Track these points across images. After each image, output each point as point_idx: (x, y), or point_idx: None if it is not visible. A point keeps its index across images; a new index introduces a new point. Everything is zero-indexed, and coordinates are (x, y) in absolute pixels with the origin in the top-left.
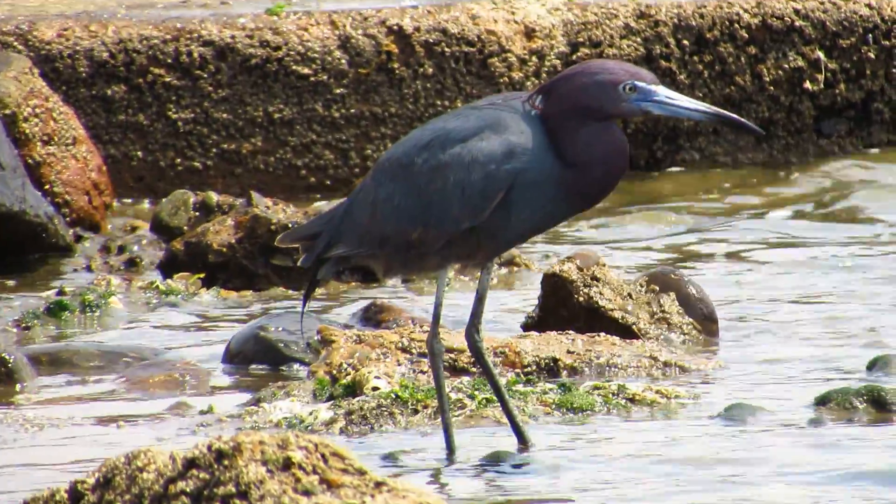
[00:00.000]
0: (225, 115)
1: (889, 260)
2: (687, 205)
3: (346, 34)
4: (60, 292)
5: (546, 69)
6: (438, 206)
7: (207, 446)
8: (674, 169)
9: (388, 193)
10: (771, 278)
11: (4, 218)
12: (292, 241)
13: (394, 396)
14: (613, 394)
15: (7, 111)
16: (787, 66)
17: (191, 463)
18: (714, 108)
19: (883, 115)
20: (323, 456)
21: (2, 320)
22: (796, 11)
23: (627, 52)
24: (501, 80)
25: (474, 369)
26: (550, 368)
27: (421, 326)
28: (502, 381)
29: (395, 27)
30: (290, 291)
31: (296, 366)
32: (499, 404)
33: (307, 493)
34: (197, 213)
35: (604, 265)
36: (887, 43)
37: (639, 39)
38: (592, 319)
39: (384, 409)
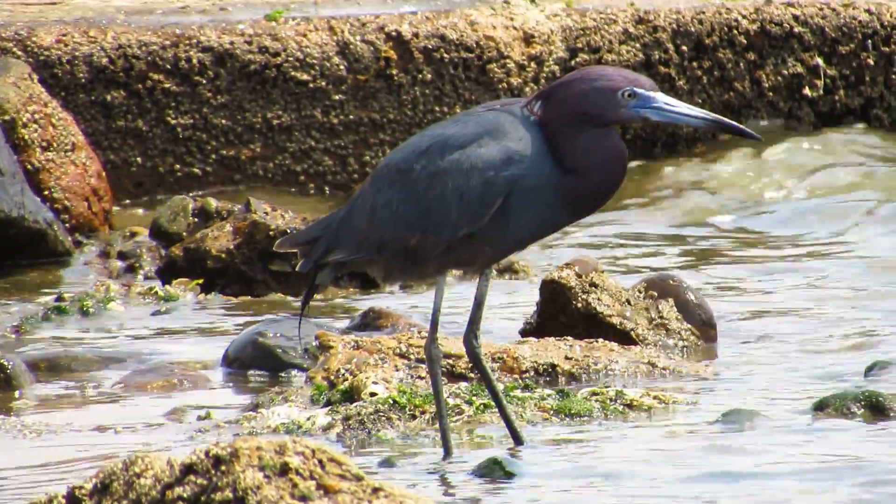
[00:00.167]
0: (224, 121)
1: (888, 266)
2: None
3: (344, 40)
4: (59, 298)
5: (545, 75)
6: (437, 212)
7: (205, 452)
8: None
9: (386, 199)
10: (770, 284)
11: (3, 224)
12: (291, 246)
13: (391, 402)
14: (611, 399)
15: (6, 117)
16: (786, 72)
17: (188, 469)
18: (713, 115)
19: (882, 121)
20: (320, 461)
21: (0, 326)
22: (795, 17)
23: (626, 58)
24: (500, 86)
25: (472, 375)
26: (549, 374)
27: (419, 332)
28: (500, 387)
29: (394, 33)
30: (289, 297)
31: (294, 371)
32: (496, 410)
33: (304, 498)
34: (196, 219)
35: (602, 271)
36: (886, 49)
37: (638, 45)
38: (591, 325)
39: (382, 414)
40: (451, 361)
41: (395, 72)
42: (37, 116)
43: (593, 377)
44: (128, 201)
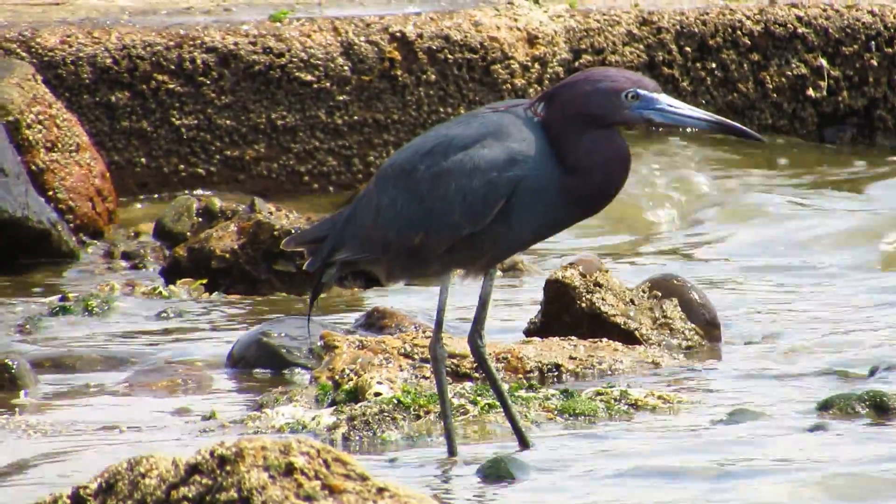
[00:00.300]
0: (228, 122)
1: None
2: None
3: (348, 41)
4: (64, 298)
5: (549, 76)
6: (440, 212)
7: (210, 452)
8: None
9: (390, 199)
10: (774, 284)
11: (8, 224)
12: (297, 245)
13: (396, 402)
14: (616, 399)
15: (10, 118)
16: (789, 73)
17: (193, 468)
18: (715, 117)
19: (886, 122)
20: (325, 461)
21: (5, 325)
22: (799, 18)
23: (630, 59)
24: (504, 87)
25: (477, 375)
26: (553, 374)
27: (423, 332)
28: (505, 387)
29: (398, 34)
30: (293, 297)
31: (298, 370)
32: (501, 409)
33: (309, 498)
34: (200, 219)
35: (606, 271)
36: (890, 50)
37: (641, 46)
38: (595, 325)
39: (387, 414)
40: (455, 361)
41: (399, 72)
42: (41, 117)
43: (598, 377)
44: (132, 201)
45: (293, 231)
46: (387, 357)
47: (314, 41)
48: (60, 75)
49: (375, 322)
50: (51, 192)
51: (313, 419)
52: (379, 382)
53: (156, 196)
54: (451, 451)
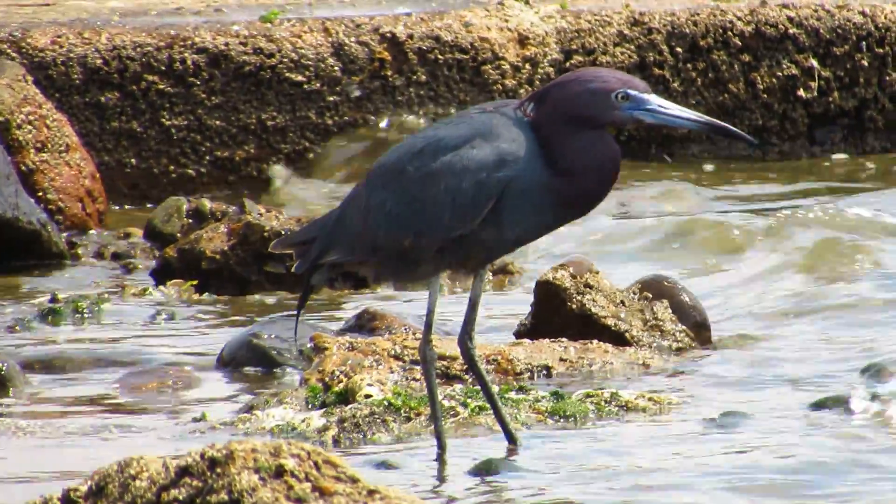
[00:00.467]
0: (218, 123)
1: (882, 266)
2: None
3: (339, 41)
4: (53, 299)
5: (539, 76)
6: (430, 213)
7: (200, 454)
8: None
9: (380, 200)
10: (764, 285)
11: None
12: (286, 248)
13: (386, 404)
14: (606, 401)
15: (0, 118)
16: (780, 73)
17: (183, 471)
18: (706, 118)
19: (876, 123)
20: (315, 463)
21: None
22: (790, 19)
23: (621, 60)
24: (495, 88)
25: (467, 377)
26: (543, 376)
27: (414, 334)
28: (495, 389)
29: (389, 34)
30: (284, 298)
31: (289, 370)
32: (491, 411)
33: (300, 500)
34: (190, 220)
35: (597, 272)
36: (881, 51)
37: (632, 47)
38: (585, 327)
39: (377, 416)
40: (445, 363)
41: (389, 73)
42: (31, 118)
43: (588, 378)
44: (122, 202)
45: (283, 232)
46: (377, 359)
47: (304, 42)
48: (51, 76)
49: (366, 324)
50: (41, 193)
51: (303, 421)
52: (369, 384)
53: (146, 197)
54: (442, 453)
